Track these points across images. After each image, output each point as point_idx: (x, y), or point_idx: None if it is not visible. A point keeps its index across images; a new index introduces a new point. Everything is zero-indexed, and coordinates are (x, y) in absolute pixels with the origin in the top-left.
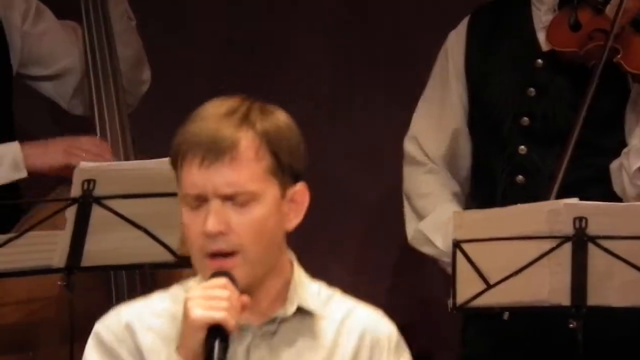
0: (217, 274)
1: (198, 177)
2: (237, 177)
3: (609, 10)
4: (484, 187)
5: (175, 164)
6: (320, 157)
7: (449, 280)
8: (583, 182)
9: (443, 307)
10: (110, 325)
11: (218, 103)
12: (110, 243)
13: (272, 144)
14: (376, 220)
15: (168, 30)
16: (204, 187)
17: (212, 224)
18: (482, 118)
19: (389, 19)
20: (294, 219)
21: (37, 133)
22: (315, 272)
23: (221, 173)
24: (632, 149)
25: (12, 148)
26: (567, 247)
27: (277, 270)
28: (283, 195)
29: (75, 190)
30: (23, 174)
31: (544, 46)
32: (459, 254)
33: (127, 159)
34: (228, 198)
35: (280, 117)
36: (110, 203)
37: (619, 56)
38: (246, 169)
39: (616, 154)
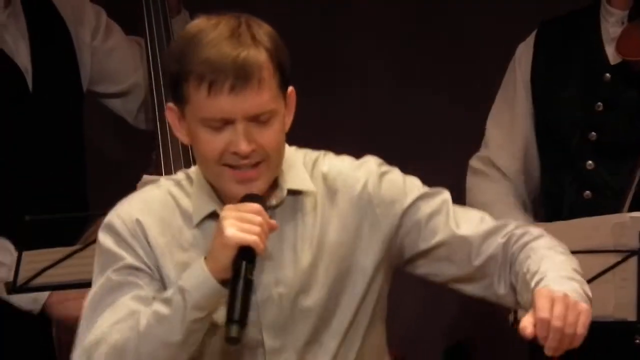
0: (250, 197)
1: (226, 102)
2: (263, 99)
3: None
4: (551, 202)
5: (185, 89)
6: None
7: None
8: None
9: (503, 322)
10: (124, 218)
11: (213, 22)
12: None
13: (277, 58)
14: None
15: None
16: (232, 111)
17: (245, 146)
18: (548, 132)
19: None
20: (289, 120)
21: (105, 147)
22: None
23: (250, 97)
24: None
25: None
26: (633, 261)
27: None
28: (285, 103)
29: None
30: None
31: (612, 59)
32: None
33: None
34: (253, 118)
35: (269, 28)
36: None
37: None
38: (268, 89)
39: None
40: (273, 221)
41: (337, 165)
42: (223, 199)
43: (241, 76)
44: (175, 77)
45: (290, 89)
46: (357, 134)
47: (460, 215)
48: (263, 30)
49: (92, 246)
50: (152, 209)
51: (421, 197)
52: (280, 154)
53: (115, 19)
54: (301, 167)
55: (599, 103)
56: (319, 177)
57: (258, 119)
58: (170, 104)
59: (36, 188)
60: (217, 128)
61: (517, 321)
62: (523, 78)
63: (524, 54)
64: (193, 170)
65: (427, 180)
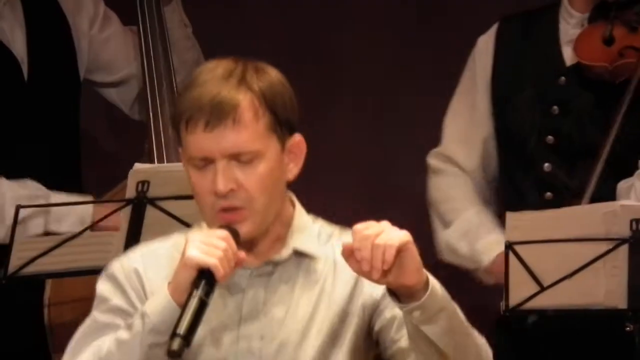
0: (225, 227)
1: (203, 140)
2: (241, 138)
3: None
4: (511, 201)
5: (179, 128)
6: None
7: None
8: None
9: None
10: (123, 265)
11: (212, 66)
12: None
13: (269, 102)
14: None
15: (228, 36)
16: (209, 149)
17: (222, 184)
18: (508, 133)
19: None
20: (294, 169)
21: (98, 136)
22: None
23: (225, 135)
24: None
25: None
26: (624, 249)
27: (278, 216)
28: (283, 148)
29: (130, 192)
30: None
31: (569, 61)
32: (511, 256)
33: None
34: (233, 157)
35: (273, 74)
36: (164, 204)
37: None
38: (248, 129)
39: (634, 170)
40: (242, 253)
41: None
42: None
43: (215, 113)
44: (173, 118)
45: (297, 137)
46: (351, 131)
47: None
48: (259, 75)
49: (84, 234)
50: (156, 262)
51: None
52: (268, 199)
53: (111, 8)
54: (313, 234)
55: (555, 107)
56: (330, 248)
57: (239, 159)
58: (180, 148)
59: (30, 177)
60: (202, 168)
61: (508, 308)
62: (483, 74)
63: (484, 49)
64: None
65: (421, 173)
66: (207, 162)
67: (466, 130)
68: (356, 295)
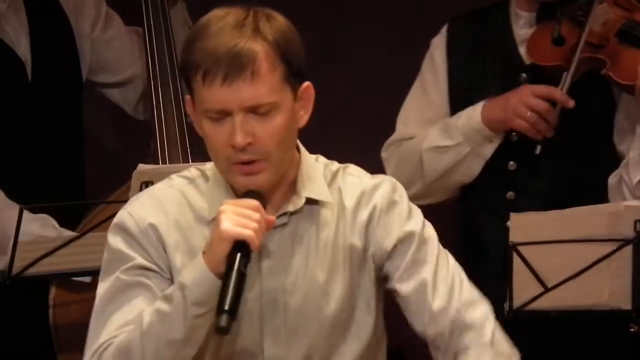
0: (250, 193)
1: (221, 93)
2: (259, 91)
3: (591, 22)
4: (471, 203)
5: (190, 78)
6: None
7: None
8: (571, 195)
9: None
10: (136, 219)
11: (222, 14)
12: None
13: (283, 52)
14: None
15: None
16: (227, 102)
17: (240, 137)
18: None
19: None
20: (305, 116)
21: (103, 137)
22: None
23: (243, 88)
24: (631, 161)
25: None
26: (628, 250)
27: (288, 167)
28: (295, 97)
29: (134, 192)
30: None
31: (526, 59)
32: (515, 257)
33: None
34: (251, 110)
35: (282, 21)
36: None
37: (606, 68)
38: (266, 81)
39: (605, 165)
40: (272, 217)
41: (354, 183)
42: (237, 195)
43: (234, 66)
44: (183, 67)
45: (306, 84)
46: (351, 125)
47: (439, 279)
48: (271, 23)
49: (89, 235)
50: (165, 209)
51: (414, 242)
52: (284, 149)
53: (114, 8)
54: (321, 177)
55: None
56: (336, 190)
57: (256, 111)
58: (187, 96)
59: (35, 177)
60: (218, 120)
61: (511, 309)
62: (440, 75)
63: (438, 51)
64: (209, 167)
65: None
66: (223, 114)
67: (426, 119)
68: (369, 242)
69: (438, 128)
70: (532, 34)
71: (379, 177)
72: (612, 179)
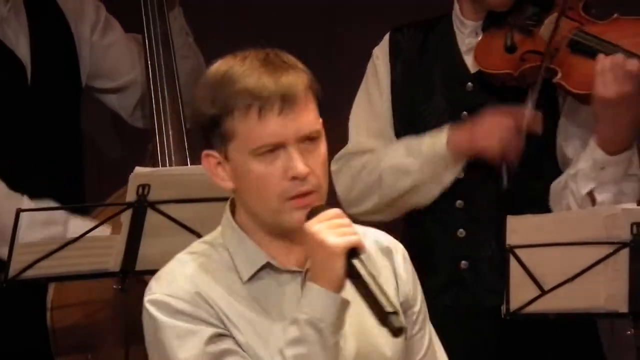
0: (318, 209)
1: (277, 124)
2: (310, 118)
3: (543, 31)
4: (419, 213)
5: (228, 121)
6: None
7: None
8: (522, 205)
9: None
10: (179, 293)
11: (239, 58)
12: (164, 247)
13: (312, 82)
14: None
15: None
16: (283, 133)
17: (302, 167)
18: None
19: None
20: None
21: (101, 141)
22: None
23: (299, 117)
24: (580, 172)
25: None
26: (625, 253)
27: None
28: None
29: (130, 195)
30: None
31: (472, 68)
32: (512, 260)
33: None
34: (305, 139)
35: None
36: (164, 208)
37: (558, 77)
38: (312, 108)
39: (553, 176)
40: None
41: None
42: (271, 252)
43: (288, 98)
44: (212, 120)
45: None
46: None
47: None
48: (290, 57)
49: (84, 238)
50: (200, 281)
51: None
52: (327, 184)
53: (114, 14)
54: None
55: (465, 112)
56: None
57: (309, 140)
58: (208, 151)
59: (33, 179)
60: (270, 157)
61: (508, 312)
62: (383, 84)
63: (380, 60)
64: (212, 237)
65: None
66: (276, 148)
67: (375, 129)
68: (400, 293)
69: (401, 148)
70: (479, 42)
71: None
72: (555, 185)
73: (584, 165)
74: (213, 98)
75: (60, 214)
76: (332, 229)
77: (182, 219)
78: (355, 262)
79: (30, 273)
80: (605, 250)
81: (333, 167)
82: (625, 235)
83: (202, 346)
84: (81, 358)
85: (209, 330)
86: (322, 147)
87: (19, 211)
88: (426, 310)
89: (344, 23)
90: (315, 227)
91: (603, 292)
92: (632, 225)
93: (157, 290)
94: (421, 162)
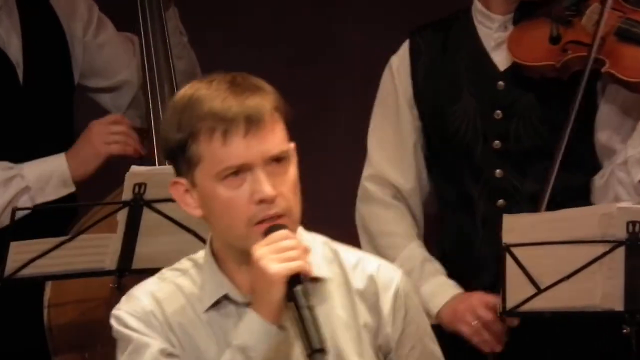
0: (274, 228)
1: (243, 147)
2: (277, 139)
3: (585, 21)
4: (459, 214)
5: (194, 150)
6: None
7: None
8: (563, 199)
9: None
10: (135, 310)
11: (205, 82)
12: (160, 246)
13: (281, 104)
14: None
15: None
16: (249, 155)
17: (269, 189)
18: (448, 147)
19: None
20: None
21: None
22: None
23: (265, 138)
24: (631, 159)
25: (59, 162)
26: (621, 252)
27: None
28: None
29: (127, 194)
30: (72, 189)
31: (501, 65)
32: (508, 258)
33: None
34: (272, 161)
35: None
36: (160, 206)
37: (606, 66)
38: (279, 129)
39: (588, 168)
40: (304, 244)
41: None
42: (236, 281)
43: (253, 119)
44: (179, 145)
45: (293, 145)
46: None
47: None
48: (257, 80)
49: (81, 237)
50: (162, 306)
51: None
52: (298, 208)
53: (110, 14)
54: (319, 255)
55: (498, 111)
56: (339, 273)
57: (276, 162)
58: (175, 179)
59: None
60: (236, 180)
61: (504, 310)
62: (404, 93)
63: (400, 68)
64: (201, 255)
65: None
66: (242, 171)
67: (395, 151)
68: (379, 335)
69: (408, 267)
70: (511, 35)
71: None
72: (598, 178)
73: (634, 152)
74: (179, 123)
75: (12, 166)
76: (275, 254)
77: (178, 217)
78: (298, 289)
79: (27, 271)
80: (601, 248)
81: (364, 184)
82: (621, 233)
83: (157, 355)
84: (78, 356)
85: (160, 344)
86: (292, 169)
87: (14, 209)
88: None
89: (338, 22)
90: (259, 252)
91: (599, 290)
92: (627, 223)
93: (120, 305)
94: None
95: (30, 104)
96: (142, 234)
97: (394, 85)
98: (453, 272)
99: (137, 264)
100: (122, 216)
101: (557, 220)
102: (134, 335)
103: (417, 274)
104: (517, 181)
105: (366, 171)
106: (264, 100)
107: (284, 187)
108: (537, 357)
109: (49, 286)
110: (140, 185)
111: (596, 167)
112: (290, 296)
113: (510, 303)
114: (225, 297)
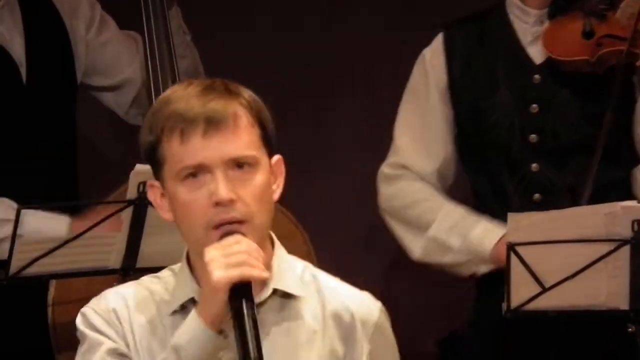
0: (228, 233)
1: (201, 147)
2: (240, 143)
3: (620, 15)
4: (494, 209)
5: (160, 152)
6: None
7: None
8: (603, 192)
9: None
10: (99, 307)
11: (185, 84)
12: (165, 245)
13: (257, 113)
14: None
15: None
16: (207, 156)
17: (225, 191)
18: (484, 140)
19: None
20: (277, 190)
21: (97, 141)
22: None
23: (225, 140)
24: None
25: (63, 225)
26: (626, 250)
27: (261, 247)
28: (269, 165)
29: (131, 193)
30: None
31: (537, 59)
32: (513, 257)
33: None
34: (231, 165)
35: (250, 92)
36: None
37: None
38: (246, 134)
39: (628, 161)
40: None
41: (340, 291)
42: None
43: (213, 120)
44: (149, 147)
45: (277, 157)
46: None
47: None
48: (241, 87)
49: (85, 236)
50: (128, 304)
51: None
52: (265, 214)
53: (114, 12)
54: (296, 272)
55: (534, 105)
56: (315, 297)
57: (237, 166)
58: (151, 181)
59: (27, 178)
60: (196, 182)
61: (509, 309)
62: (437, 85)
63: (434, 60)
64: (179, 265)
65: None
66: (202, 171)
67: (422, 139)
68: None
69: (452, 218)
70: (547, 29)
71: (362, 292)
72: (637, 171)
73: None
74: (150, 125)
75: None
76: (225, 259)
77: None
78: (243, 301)
79: (31, 270)
80: (606, 247)
81: (383, 170)
82: (626, 232)
83: (104, 355)
84: None
85: (111, 344)
86: (259, 177)
87: (19, 209)
88: None
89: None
90: (209, 255)
91: (604, 289)
92: (633, 222)
93: (89, 303)
94: (462, 246)
95: (33, 103)
96: (146, 233)
97: (426, 77)
98: None
99: (142, 262)
100: (126, 215)
101: (562, 219)
102: (90, 334)
103: (461, 225)
104: (553, 175)
105: (389, 159)
106: (232, 104)
107: (245, 193)
108: (541, 356)
109: (53, 285)
110: (144, 183)
111: (635, 160)
112: (234, 305)
113: (515, 302)
114: (193, 301)
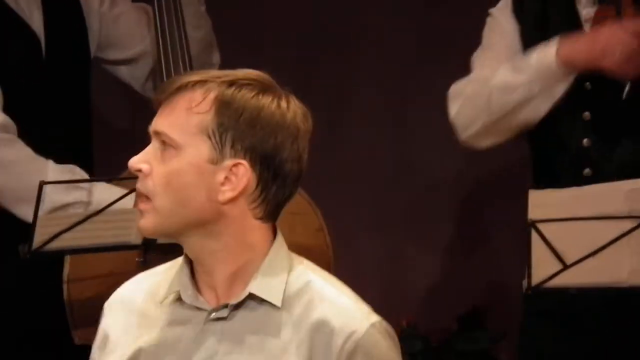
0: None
1: (157, 113)
2: (170, 120)
3: None
4: (543, 182)
5: None
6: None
7: (519, 260)
8: None
9: (517, 288)
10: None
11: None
12: None
13: (222, 108)
14: (443, 197)
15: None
16: (152, 123)
17: (134, 159)
18: None
19: None
20: (228, 193)
21: (111, 115)
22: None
23: (162, 113)
24: None
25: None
26: None
27: (232, 248)
28: (215, 161)
29: None
30: None
31: None
32: (534, 234)
33: None
34: (158, 139)
35: (256, 101)
36: None
37: None
38: (184, 116)
39: None
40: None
41: (334, 301)
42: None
43: (170, 94)
44: None
45: (245, 164)
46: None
47: None
48: (237, 90)
49: (107, 210)
50: (137, 291)
51: None
52: (173, 201)
53: None
54: (283, 278)
55: (587, 82)
56: (300, 308)
57: (160, 142)
58: None
59: (44, 151)
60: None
61: (530, 287)
62: (511, 35)
63: (503, 18)
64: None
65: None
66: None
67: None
68: None
69: (508, 66)
70: (594, 14)
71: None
72: None
73: None
74: None
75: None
76: None
77: None
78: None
79: (53, 245)
80: (629, 224)
81: (450, 92)
82: None
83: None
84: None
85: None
86: (175, 162)
87: (42, 184)
88: None
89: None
90: None
91: (626, 266)
92: None
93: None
94: (530, 76)
95: (52, 77)
96: None
97: (499, 21)
98: None
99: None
100: None
101: (583, 196)
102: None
103: (518, 64)
104: (606, 151)
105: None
106: (200, 89)
107: (157, 171)
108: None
109: (67, 261)
110: None
111: None
112: None
113: (536, 279)
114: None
